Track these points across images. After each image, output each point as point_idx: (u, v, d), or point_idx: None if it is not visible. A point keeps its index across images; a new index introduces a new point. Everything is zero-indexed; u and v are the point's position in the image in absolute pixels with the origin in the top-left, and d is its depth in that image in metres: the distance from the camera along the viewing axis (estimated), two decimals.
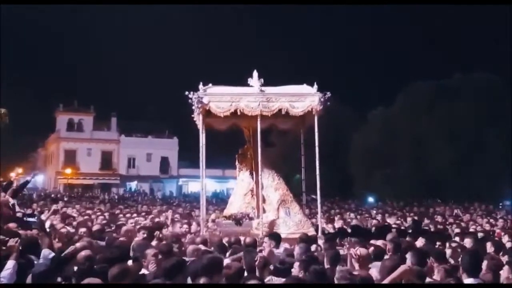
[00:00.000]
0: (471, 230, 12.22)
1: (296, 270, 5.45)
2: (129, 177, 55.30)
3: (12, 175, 46.89)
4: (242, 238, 8.00)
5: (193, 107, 9.68)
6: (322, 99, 9.59)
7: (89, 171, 53.34)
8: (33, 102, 54.99)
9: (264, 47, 73.85)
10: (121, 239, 8.26)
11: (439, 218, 17.04)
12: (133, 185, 54.34)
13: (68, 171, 51.76)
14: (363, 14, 66.49)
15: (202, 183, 9.91)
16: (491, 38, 53.34)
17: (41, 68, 62.66)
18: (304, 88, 9.93)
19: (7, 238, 5.49)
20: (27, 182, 14.92)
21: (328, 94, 9.63)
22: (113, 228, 10.55)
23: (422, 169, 37.91)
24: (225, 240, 8.06)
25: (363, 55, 64.86)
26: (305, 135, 11.18)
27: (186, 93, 9.56)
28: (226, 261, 5.66)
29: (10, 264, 5.00)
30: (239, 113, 9.82)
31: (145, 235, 8.12)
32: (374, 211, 21.49)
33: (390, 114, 41.46)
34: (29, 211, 15.36)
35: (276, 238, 7.98)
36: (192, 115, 11.02)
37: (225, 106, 9.62)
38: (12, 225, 9.00)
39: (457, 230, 11.65)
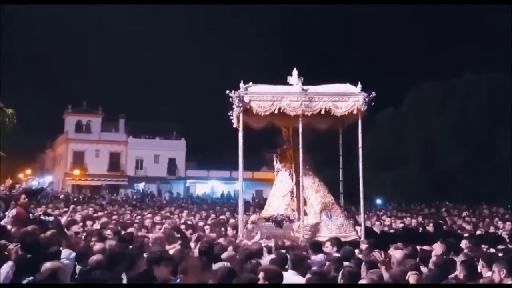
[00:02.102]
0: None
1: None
2: (137, 178, 55.07)
3: (20, 176, 46.83)
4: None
5: (233, 106, 9.38)
6: (366, 99, 9.34)
7: (97, 172, 53.11)
8: (42, 103, 54.84)
9: (260, 46, 73.68)
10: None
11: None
12: (141, 186, 54.11)
13: (76, 172, 51.58)
14: (371, 13, 66.26)
15: (240, 184, 9.64)
16: (501, 37, 52.96)
17: (49, 69, 62.51)
18: (347, 87, 9.68)
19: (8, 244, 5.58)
20: (43, 189, 14.83)
21: (373, 94, 9.38)
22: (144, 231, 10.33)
23: (431, 171, 37.68)
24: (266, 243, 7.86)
25: (372, 55, 64.63)
26: (343, 135, 10.93)
27: (227, 92, 9.31)
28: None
29: (8, 264, 5.05)
30: (276, 112, 9.57)
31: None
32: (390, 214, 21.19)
33: (398, 115, 41.26)
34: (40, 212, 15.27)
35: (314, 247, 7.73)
36: (229, 113, 10.83)
37: (266, 105, 9.39)
38: (32, 227, 8.88)
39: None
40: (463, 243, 8.88)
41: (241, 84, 9.46)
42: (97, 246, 6.76)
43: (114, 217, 15.04)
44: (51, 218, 8.80)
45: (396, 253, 5.56)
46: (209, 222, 13.71)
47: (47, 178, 55.00)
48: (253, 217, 9.87)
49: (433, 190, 35.43)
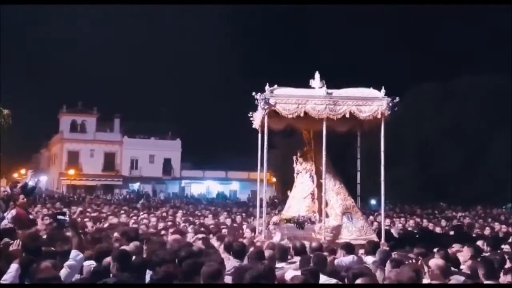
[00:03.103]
0: None
1: None
2: (132, 178, 55.00)
3: (15, 176, 46.48)
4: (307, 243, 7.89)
5: (260, 107, 9.48)
6: (390, 104, 9.48)
7: (92, 172, 53.02)
8: (37, 103, 54.52)
9: (254, 46, 73.84)
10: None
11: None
12: (136, 186, 54.01)
13: (71, 172, 51.54)
14: (369, 13, 66.55)
15: (263, 185, 9.73)
16: (498, 39, 53.54)
17: (45, 69, 62.11)
18: (370, 91, 9.81)
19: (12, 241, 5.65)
20: (34, 187, 14.74)
21: (397, 99, 9.52)
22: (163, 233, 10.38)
23: (427, 172, 37.93)
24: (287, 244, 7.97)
25: (367, 56, 64.98)
26: (361, 138, 11.09)
27: (253, 94, 9.41)
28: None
29: (13, 267, 5.09)
30: (302, 115, 9.68)
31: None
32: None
33: (396, 116, 41.43)
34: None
35: (347, 248, 7.85)
36: (249, 114, 10.97)
37: (291, 108, 9.48)
38: (35, 228, 8.90)
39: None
40: (480, 243, 9.09)
41: (267, 87, 9.54)
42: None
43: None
44: (66, 217, 8.74)
45: (438, 261, 5.67)
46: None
47: (42, 177, 54.70)
48: (275, 219, 9.94)
49: (429, 191, 35.76)
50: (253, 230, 10.94)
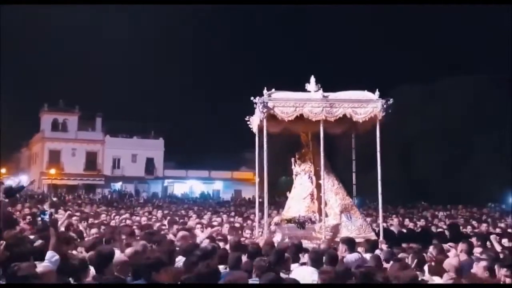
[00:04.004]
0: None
1: None
2: (114, 178, 54.71)
3: None
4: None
5: (259, 111, 9.70)
6: (384, 106, 9.78)
7: (73, 171, 52.62)
8: (17, 102, 53.76)
9: (237, 46, 73.99)
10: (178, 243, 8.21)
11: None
12: (118, 186, 53.77)
13: (52, 171, 51.08)
14: (347, 14, 67.12)
15: (265, 186, 9.91)
16: (480, 40, 54.50)
17: (26, 67, 61.28)
18: (365, 94, 10.09)
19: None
20: (23, 187, 14.74)
21: (391, 100, 9.83)
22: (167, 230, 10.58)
23: (409, 172, 38.58)
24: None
25: (349, 57, 65.49)
26: (356, 140, 11.40)
27: (252, 98, 9.62)
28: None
29: None
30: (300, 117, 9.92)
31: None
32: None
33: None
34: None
35: (349, 243, 8.14)
36: (246, 118, 11.18)
37: (289, 111, 9.72)
38: (20, 228, 8.91)
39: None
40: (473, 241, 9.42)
41: (265, 91, 9.76)
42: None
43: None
44: (47, 217, 8.66)
45: (452, 261, 5.96)
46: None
47: (22, 177, 54.04)
48: (276, 219, 10.18)
49: (411, 191, 36.37)
50: (251, 230, 11.18)
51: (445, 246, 8.45)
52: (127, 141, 55.91)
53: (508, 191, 36.95)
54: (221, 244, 8.16)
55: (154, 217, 15.95)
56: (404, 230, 11.99)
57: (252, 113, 10.86)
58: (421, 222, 16.48)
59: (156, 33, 67.78)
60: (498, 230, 13.48)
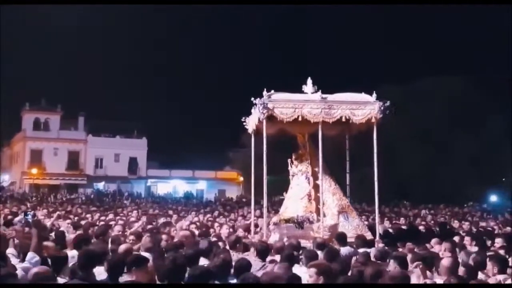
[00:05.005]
0: None
1: None
2: (97, 177, 54.34)
3: None
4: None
5: (258, 112, 9.81)
6: (381, 108, 9.96)
7: (55, 171, 52.21)
8: None
9: (222, 44, 73.93)
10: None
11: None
12: (101, 185, 53.38)
13: (34, 171, 50.56)
14: (328, 14, 67.59)
15: (264, 187, 10.02)
16: (461, 40, 55.39)
17: (6, 66, 60.37)
18: (362, 96, 10.27)
19: None
20: (3, 187, 14.66)
21: (388, 102, 10.02)
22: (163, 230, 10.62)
23: (390, 172, 38.93)
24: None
25: (334, 55, 65.98)
26: (350, 142, 11.60)
27: (252, 99, 9.73)
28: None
29: None
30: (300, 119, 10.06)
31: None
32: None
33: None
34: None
35: (340, 238, 8.46)
36: (242, 119, 11.30)
37: (288, 112, 9.84)
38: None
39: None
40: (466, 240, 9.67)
41: (264, 92, 9.87)
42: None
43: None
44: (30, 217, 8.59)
45: (444, 261, 6.10)
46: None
47: (3, 176, 53.41)
48: (275, 219, 10.29)
49: (393, 190, 36.77)
50: (246, 229, 11.29)
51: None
52: (110, 140, 55.60)
53: (488, 190, 37.75)
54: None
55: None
56: (391, 230, 12.22)
57: (245, 114, 11.05)
58: (405, 221, 16.82)
59: (140, 32, 67.47)
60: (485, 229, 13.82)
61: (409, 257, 6.96)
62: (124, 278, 5.10)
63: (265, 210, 10.22)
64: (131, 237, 8.04)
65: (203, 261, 6.12)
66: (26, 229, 7.91)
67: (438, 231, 12.66)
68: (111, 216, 15.35)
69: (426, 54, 57.74)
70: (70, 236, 8.25)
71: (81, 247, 6.46)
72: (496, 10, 45.14)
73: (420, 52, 59.50)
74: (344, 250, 7.99)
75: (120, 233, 9.24)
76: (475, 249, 8.31)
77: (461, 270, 5.75)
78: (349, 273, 5.79)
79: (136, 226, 10.86)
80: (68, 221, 12.00)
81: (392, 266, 6.10)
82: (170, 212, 20.21)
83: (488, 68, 48.52)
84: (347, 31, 65.76)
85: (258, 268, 6.01)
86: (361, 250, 7.97)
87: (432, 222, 17.60)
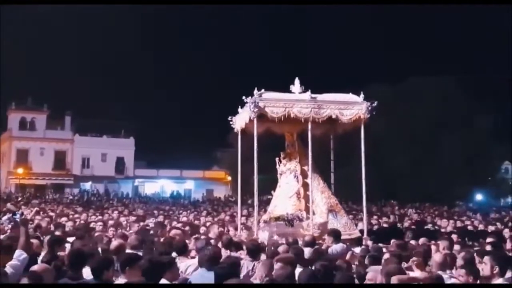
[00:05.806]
0: None
1: None
2: (83, 177, 54.00)
3: None
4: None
5: (248, 111, 9.95)
6: (369, 108, 10.17)
7: (41, 171, 51.76)
8: None
9: (210, 45, 73.90)
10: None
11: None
12: (87, 185, 53.13)
13: (20, 171, 50.17)
14: (316, 13, 67.83)
15: (255, 185, 10.17)
16: (449, 40, 55.92)
17: None
18: (350, 96, 10.47)
19: None
20: None
21: (375, 103, 10.22)
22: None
23: (378, 171, 39.21)
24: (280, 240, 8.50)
25: (323, 54, 66.16)
26: (335, 141, 11.82)
27: (244, 98, 9.87)
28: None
29: None
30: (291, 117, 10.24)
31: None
32: None
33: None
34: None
35: (335, 234, 8.61)
36: (229, 118, 11.44)
37: (279, 111, 10.02)
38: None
39: None
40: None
41: (255, 91, 10.03)
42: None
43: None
44: (17, 216, 8.62)
45: (435, 257, 6.25)
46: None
47: None
48: (264, 217, 10.44)
49: (380, 189, 37.07)
50: (236, 228, 11.42)
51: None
52: (96, 140, 55.25)
53: (475, 189, 38.28)
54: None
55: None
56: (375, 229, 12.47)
57: (231, 113, 11.19)
58: (394, 220, 17.10)
59: (128, 31, 67.22)
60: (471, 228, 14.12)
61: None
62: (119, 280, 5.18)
63: (256, 209, 10.35)
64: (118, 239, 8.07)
65: None
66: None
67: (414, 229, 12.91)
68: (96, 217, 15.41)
69: (426, 54, 58.10)
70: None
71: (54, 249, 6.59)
72: (496, 10, 45.58)
73: (420, 52, 59.75)
74: (337, 247, 8.12)
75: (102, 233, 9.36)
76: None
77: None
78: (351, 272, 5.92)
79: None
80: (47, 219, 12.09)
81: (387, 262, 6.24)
82: (156, 212, 20.24)
83: (487, 68, 49.06)
84: (347, 31, 66.02)
85: (250, 268, 6.11)
86: (357, 248, 8.17)
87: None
